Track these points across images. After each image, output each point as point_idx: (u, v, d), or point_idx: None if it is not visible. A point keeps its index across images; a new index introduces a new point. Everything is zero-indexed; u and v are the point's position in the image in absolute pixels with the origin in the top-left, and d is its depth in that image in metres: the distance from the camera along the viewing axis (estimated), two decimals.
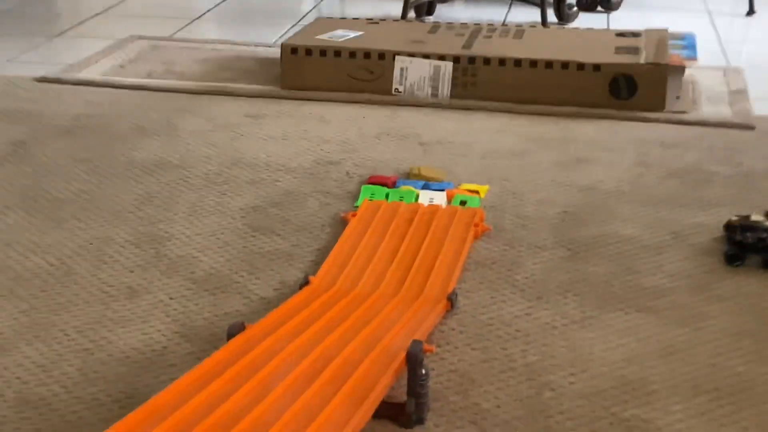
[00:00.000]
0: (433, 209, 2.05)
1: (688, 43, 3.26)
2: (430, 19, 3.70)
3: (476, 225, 1.97)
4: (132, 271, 1.85)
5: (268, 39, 3.47)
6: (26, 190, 2.22)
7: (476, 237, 1.96)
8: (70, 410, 1.42)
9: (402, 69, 2.81)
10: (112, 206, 2.14)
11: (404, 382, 1.39)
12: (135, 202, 2.16)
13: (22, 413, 1.41)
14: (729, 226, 1.95)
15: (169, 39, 3.55)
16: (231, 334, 1.46)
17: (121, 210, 2.12)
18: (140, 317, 1.69)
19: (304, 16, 3.80)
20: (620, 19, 3.68)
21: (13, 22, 3.77)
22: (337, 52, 2.87)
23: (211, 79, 3.04)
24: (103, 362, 1.55)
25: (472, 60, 2.79)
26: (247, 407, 1.27)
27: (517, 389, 1.48)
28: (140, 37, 3.51)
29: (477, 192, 2.15)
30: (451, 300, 1.68)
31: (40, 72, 3.08)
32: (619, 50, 2.83)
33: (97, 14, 3.91)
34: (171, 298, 1.75)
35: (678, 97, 2.78)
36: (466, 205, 2.08)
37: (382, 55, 2.84)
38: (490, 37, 2.98)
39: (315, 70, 2.88)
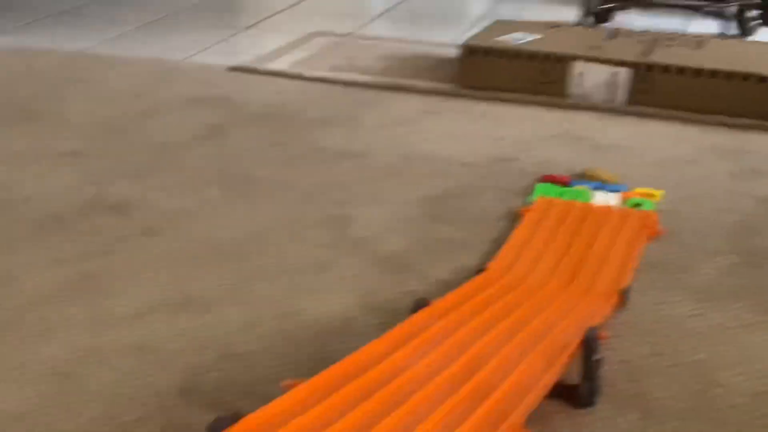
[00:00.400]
0: (607, 209, 2.10)
1: None
2: (608, 25, 3.72)
3: (650, 227, 2.02)
4: (320, 248, 1.99)
5: (443, 39, 3.58)
6: (223, 170, 2.40)
7: (649, 239, 2.00)
8: (266, 365, 1.57)
9: (579, 73, 2.87)
10: (300, 188, 2.29)
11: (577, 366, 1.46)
12: (321, 186, 2.31)
13: (224, 365, 1.57)
14: None
15: (350, 36, 3.72)
16: (415, 309, 1.56)
17: (308, 192, 2.27)
18: (329, 290, 1.82)
19: (479, 18, 3.89)
20: None
21: (204, 16, 4.02)
22: (515, 55, 2.95)
23: (391, 75, 3.18)
24: (296, 327, 1.69)
25: (650, 67, 2.82)
26: (420, 384, 1.36)
27: (685, 383, 1.53)
28: (323, 34, 3.69)
29: (651, 196, 2.19)
30: (623, 295, 1.74)
31: (232, 62, 3.29)
32: None
33: (280, 11, 4.12)
34: (356, 275, 1.88)
35: None
36: (640, 208, 2.12)
37: (559, 59, 2.90)
38: (669, 46, 3.00)
39: (492, 70, 2.97)
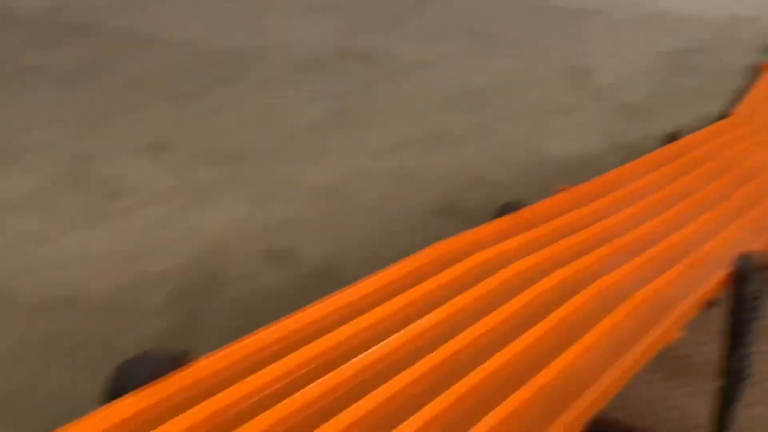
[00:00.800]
0: None
1: None
2: None
3: None
4: (562, 95, 2.06)
5: None
6: (461, 25, 2.50)
7: None
8: (517, 192, 1.67)
9: None
10: (538, 43, 2.36)
11: None
12: (559, 40, 2.37)
13: (477, 190, 1.68)
14: None
15: None
16: (667, 141, 1.62)
17: (547, 46, 2.33)
18: (572, 131, 1.90)
19: None
20: None
21: None
22: None
23: None
24: (542, 162, 1.78)
25: None
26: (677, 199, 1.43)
27: None
28: None
29: None
30: None
31: None
32: None
33: None
34: (598, 118, 1.95)
35: None
36: None
37: None
38: None
39: None
